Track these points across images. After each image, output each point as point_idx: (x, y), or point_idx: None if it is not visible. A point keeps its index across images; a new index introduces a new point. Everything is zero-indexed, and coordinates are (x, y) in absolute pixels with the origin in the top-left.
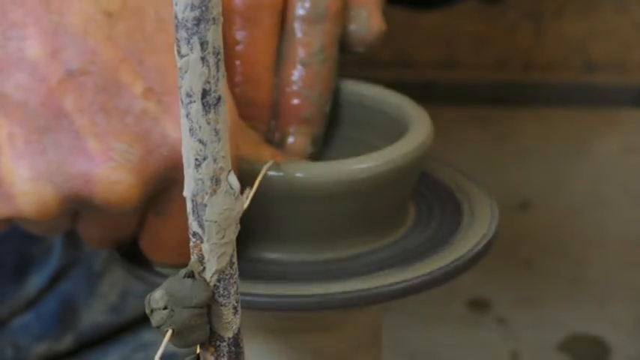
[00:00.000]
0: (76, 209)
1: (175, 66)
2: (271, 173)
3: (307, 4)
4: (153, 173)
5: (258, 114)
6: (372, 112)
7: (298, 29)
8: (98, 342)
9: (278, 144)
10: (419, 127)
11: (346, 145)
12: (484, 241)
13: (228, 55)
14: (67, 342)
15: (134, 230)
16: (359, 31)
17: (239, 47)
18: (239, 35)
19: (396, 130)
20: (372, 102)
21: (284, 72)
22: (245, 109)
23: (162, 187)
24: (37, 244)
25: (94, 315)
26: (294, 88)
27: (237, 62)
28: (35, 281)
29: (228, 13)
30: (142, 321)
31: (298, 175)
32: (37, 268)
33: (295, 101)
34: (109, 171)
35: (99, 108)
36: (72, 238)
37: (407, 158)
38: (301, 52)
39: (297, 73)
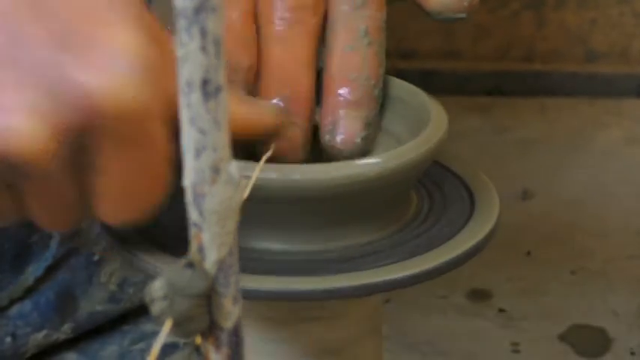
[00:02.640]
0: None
1: (81, 12)
2: (279, 177)
3: None
4: (67, 124)
5: (298, 109)
6: (392, 100)
7: (341, 17)
8: (97, 331)
9: (330, 131)
10: (435, 128)
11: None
12: (485, 232)
13: (267, 51)
14: (65, 331)
15: (76, 199)
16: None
17: (279, 44)
18: (279, 33)
19: (414, 123)
20: (392, 91)
21: (330, 59)
22: (284, 105)
23: (85, 141)
24: (36, 232)
25: (93, 304)
26: (341, 72)
27: (277, 59)
28: (34, 270)
29: (268, 10)
30: (140, 310)
31: (304, 178)
32: (36, 256)
33: (343, 85)
34: (19, 124)
35: (3, 61)
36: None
37: (419, 158)
38: (346, 38)
39: (343, 58)
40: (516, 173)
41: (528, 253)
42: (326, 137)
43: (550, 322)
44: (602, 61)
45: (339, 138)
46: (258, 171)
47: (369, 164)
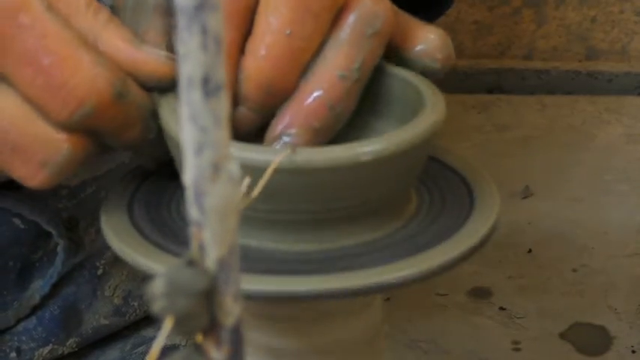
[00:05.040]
0: None
1: None
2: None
3: (364, 13)
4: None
5: None
6: (388, 85)
7: (346, 37)
8: (100, 341)
9: (277, 137)
10: (430, 111)
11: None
12: (485, 231)
13: None
14: (70, 345)
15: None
16: (428, 48)
17: None
18: None
19: (410, 106)
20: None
21: (317, 75)
22: None
23: None
24: (40, 250)
25: (98, 318)
26: (321, 95)
27: None
28: (39, 287)
29: None
30: (144, 321)
31: (303, 159)
32: (39, 272)
33: (315, 107)
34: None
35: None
36: (74, 244)
37: (414, 142)
38: (341, 63)
39: (329, 81)
40: (516, 171)
41: (529, 251)
42: (270, 138)
43: (551, 320)
44: (603, 58)
45: (280, 147)
46: (269, 174)
47: (368, 144)
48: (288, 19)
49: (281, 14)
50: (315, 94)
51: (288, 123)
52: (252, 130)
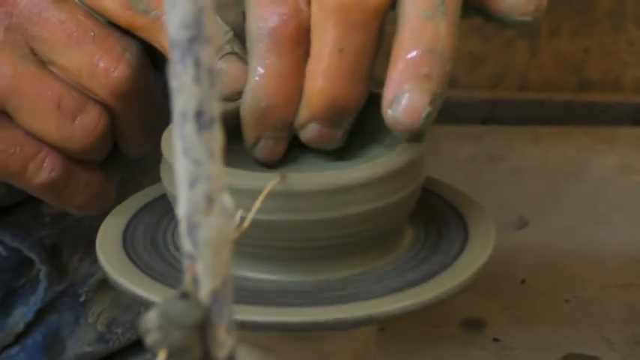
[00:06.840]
0: None
1: None
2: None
3: None
4: None
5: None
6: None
7: None
8: None
9: (393, 104)
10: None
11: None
12: (479, 264)
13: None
14: None
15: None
16: (518, 1)
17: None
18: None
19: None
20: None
21: (403, 25)
22: (263, 111)
23: None
24: (23, 277)
25: (81, 345)
26: (414, 41)
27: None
28: (23, 314)
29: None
30: (128, 349)
31: (298, 186)
32: (22, 299)
33: (414, 55)
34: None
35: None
36: (57, 270)
37: (397, 169)
38: (422, 4)
39: (417, 26)
40: (510, 202)
41: (523, 281)
42: (388, 112)
43: (544, 351)
44: (596, 89)
45: (402, 110)
46: (260, 202)
47: (355, 170)
48: (336, 37)
49: (329, 34)
50: (409, 42)
51: (398, 81)
52: (333, 143)
